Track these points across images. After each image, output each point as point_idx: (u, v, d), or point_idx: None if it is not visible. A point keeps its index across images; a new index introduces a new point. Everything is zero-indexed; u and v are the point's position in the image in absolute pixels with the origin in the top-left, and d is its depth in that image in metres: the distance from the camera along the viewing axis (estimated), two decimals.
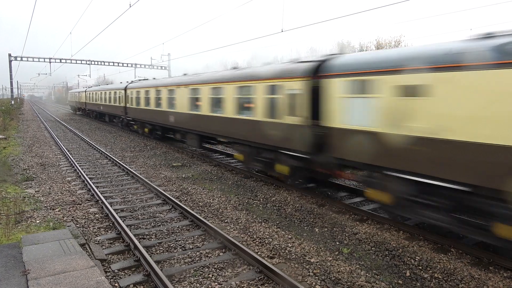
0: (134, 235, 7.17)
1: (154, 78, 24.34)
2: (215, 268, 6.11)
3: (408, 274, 6.06)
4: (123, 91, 26.25)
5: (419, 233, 7.61)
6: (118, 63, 55.33)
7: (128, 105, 25.52)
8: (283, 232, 7.73)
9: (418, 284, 5.78)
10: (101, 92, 34.08)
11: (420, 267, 6.27)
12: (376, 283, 5.71)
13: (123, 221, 7.93)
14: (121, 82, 34.11)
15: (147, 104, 21.41)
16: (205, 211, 9.09)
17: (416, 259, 6.52)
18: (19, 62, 48.81)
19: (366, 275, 5.95)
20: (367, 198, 8.81)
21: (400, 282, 5.83)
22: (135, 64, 56.12)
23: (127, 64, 55.96)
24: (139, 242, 6.88)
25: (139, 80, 27.35)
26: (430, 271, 6.14)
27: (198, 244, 7.09)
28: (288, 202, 9.78)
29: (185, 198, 10.17)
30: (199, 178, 12.70)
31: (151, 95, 20.72)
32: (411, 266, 6.32)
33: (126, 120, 26.75)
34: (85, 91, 42.45)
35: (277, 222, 8.39)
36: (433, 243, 7.20)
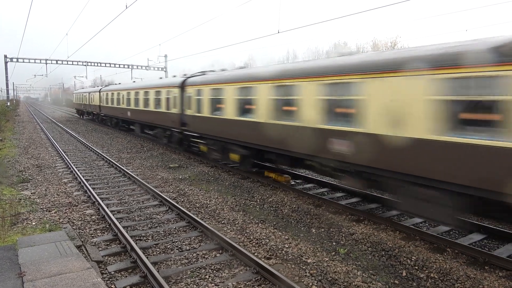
0: (131, 237, 7.16)
1: (242, 67, 15.38)
2: (212, 269, 6.11)
3: (404, 274, 6.08)
4: (176, 90, 17.03)
5: (415, 233, 7.64)
6: (115, 64, 55.22)
7: (188, 112, 15.80)
8: (280, 233, 7.74)
9: (414, 284, 5.80)
10: (128, 92, 24.70)
11: (416, 267, 6.30)
12: (373, 283, 5.72)
13: (119, 223, 7.91)
14: (160, 78, 25.79)
15: (243, 113, 11.83)
16: (202, 212, 9.09)
17: (412, 259, 6.55)
18: (15, 63, 48.63)
19: (363, 275, 5.97)
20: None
21: (397, 282, 5.84)
22: (132, 65, 56.03)
23: (124, 65, 55.87)
24: (136, 243, 6.87)
25: (203, 72, 16.65)
26: (426, 271, 6.16)
27: (195, 245, 7.08)
28: (285, 203, 9.79)
29: (182, 199, 10.16)
30: (196, 179, 12.69)
31: (261, 95, 10.73)
32: (407, 266, 6.34)
33: (181, 135, 16.88)
34: (100, 91, 33.54)
35: (274, 223, 8.40)
36: (429, 243, 7.23)
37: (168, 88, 18.14)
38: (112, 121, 31.12)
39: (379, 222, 8.33)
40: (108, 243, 7.19)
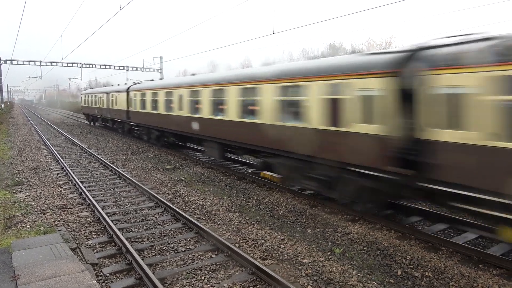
0: (126, 239, 7.13)
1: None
2: (207, 270, 6.10)
3: (399, 273, 6.11)
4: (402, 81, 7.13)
5: (410, 232, 7.67)
6: (110, 65, 54.99)
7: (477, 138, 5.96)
8: (275, 233, 7.74)
9: (409, 283, 5.83)
10: (196, 91, 14.62)
11: (411, 266, 6.33)
12: (368, 283, 5.75)
13: (115, 225, 7.88)
14: (374, 53, 8.57)
15: None
16: (197, 214, 9.07)
17: (407, 258, 6.58)
18: (9, 65, 48.31)
19: (358, 275, 5.99)
20: None
21: (392, 281, 5.87)
22: (127, 67, 55.84)
23: (119, 66, 55.66)
24: (131, 245, 6.84)
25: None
26: (421, 270, 6.19)
27: (191, 247, 7.07)
28: (280, 204, 9.80)
29: (178, 201, 10.14)
30: (191, 180, 12.67)
31: None
32: (402, 265, 6.37)
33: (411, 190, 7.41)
34: (129, 90, 23.47)
35: (270, 223, 8.41)
36: (424, 242, 7.26)
37: (350, 78, 8.13)
38: (151, 134, 20.65)
39: (374, 222, 8.35)
40: (103, 245, 7.17)
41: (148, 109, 20.09)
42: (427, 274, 6.06)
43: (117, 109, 26.25)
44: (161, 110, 18.23)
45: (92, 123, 37.72)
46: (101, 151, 19.25)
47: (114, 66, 55.28)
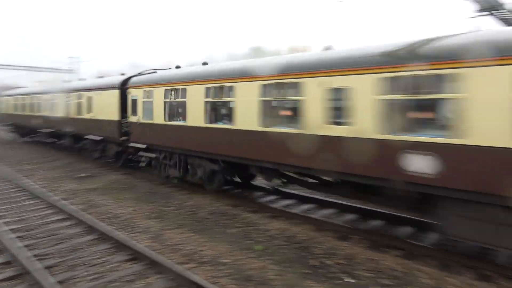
0: (31, 256, 6.45)
1: None
2: (124, 281, 5.80)
3: (314, 263, 6.47)
4: None
5: (324, 224, 8.19)
6: (15, 66, 49.29)
7: None
8: (197, 236, 7.66)
9: (324, 271, 6.20)
10: None
11: (326, 255, 6.74)
12: (286, 275, 5.98)
13: (17, 242, 7.09)
14: None
15: None
16: (114, 223, 8.57)
17: (322, 248, 7.00)
18: None
19: (277, 269, 6.20)
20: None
21: (308, 271, 6.18)
22: (35, 67, 50.67)
23: (25, 67, 50.22)
24: (37, 263, 6.21)
25: None
26: (335, 258, 6.63)
27: (106, 259, 6.66)
28: (202, 206, 9.73)
29: (92, 211, 9.47)
30: (108, 188, 11.95)
31: None
32: (317, 255, 6.75)
33: None
34: (124, 87, 14.01)
35: (191, 227, 8.30)
36: (336, 232, 7.79)
37: None
38: (195, 167, 11.06)
39: (292, 217, 8.74)
40: (2, 267, 6.39)
41: (193, 120, 10.57)
42: (340, 261, 6.51)
43: (94, 119, 15.89)
44: (241, 123, 9.12)
45: (27, 138, 25.95)
46: (5, 161, 17.16)
47: (19, 66, 49.76)
